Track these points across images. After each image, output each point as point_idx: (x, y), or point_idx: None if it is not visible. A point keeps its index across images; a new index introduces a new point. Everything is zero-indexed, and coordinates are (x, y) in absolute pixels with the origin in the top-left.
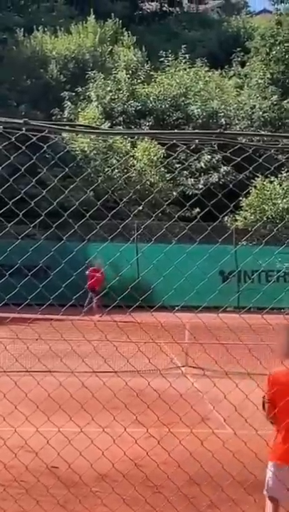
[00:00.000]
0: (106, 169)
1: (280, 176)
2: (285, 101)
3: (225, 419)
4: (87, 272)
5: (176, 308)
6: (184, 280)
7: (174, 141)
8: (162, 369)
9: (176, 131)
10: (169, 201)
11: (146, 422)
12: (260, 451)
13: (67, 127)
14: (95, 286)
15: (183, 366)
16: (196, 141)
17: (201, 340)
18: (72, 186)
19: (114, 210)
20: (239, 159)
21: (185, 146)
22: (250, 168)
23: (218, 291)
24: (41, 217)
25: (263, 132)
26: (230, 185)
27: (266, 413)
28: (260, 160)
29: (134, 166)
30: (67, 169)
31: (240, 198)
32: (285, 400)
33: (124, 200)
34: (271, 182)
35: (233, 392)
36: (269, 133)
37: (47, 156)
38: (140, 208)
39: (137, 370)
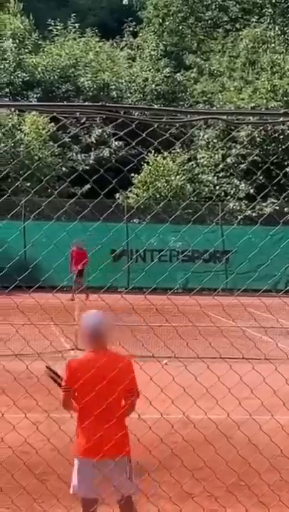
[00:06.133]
0: None
1: (173, 151)
2: (179, 73)
3: None
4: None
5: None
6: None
7: (55, 114)
8: (42, 352)
9: (59, 103)
10: (49, 176)
11: (26, 406)
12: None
13: None
14: (81, 266)
15: (72, 349)
16: (77, 113)
17: None
18: None
19: None
20: (122, 133)
21: (75, 121)
22: (133, 143)
23: (110, 272)
24: None
25: (155, 106)
26: (113, 161)
27: (63, 401)
28: (143, 134)
29: (21, 140)
30: None
31: (133, 175)
32: (86, 389)
33: (3, 174)
34: (164, 158)
35: None
36: (160, 107)
37: None
38: (27, 184)
39: (15, 354)
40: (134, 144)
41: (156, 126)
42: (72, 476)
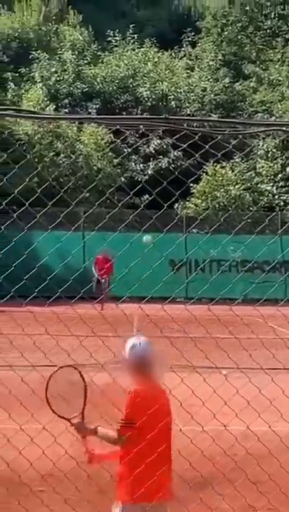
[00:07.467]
0: (51, 154)
1: (232, 161)
2: (237, 83)
3: None
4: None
5: (122, 299)
6: (131, 270)
7: (118, 127)
8: (106, 363)
9: (122, 116)
10: (114, 187)
11: (89, 419)
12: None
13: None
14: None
15: None
16: (141, 126)
17: (150, 333)
18: (13, 172)
19: (57, 198)
20: (184, 145)
21: (134, 131)
22: (197, 155)
23: (169, 282)
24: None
25: (214, 115)
26: (176, 173)
27: (119, 435)
28: (207, 146)
29: (80, 150)
30: (5, 155)
31: (191, 185)
32: (145, 426)
33: (68, 185)
34: (223, 168)
35: (178, 387)
36: (218, 118)
37: None
38: (87, 194)
39: (79, 365)
40: (197, 156)
41: (218, 138)
42: None
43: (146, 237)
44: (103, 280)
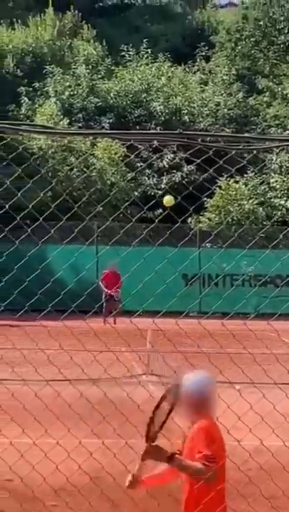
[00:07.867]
0: (65, 168)
1: (245, 175)
2: (251, 98)
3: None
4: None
5: (137, 313)
6: (144, 285)
7: (132, 142)
8: (120, 378)
9: (135, 131)
10: (129, 202)
11: (103, 433)
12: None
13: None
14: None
15: (143, 374)
16: (155, 141)
17: (163, 347)
18: (27, 186)
19: (71, 212)
20: (198, 160)
21: (147, 145)
22: (210, 170)
23: (182, 296)
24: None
25: (227, 130)
26: (190, 188)
27: (211, 474)
28: (221, 162)
29: (93, 164)
30: (20, 170)
31: (205, 199)
32: (224, 458)
33: (83, 200)
34: (236, 182)
35: None
36: (232, 132)
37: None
38: (100, 208)
39: (93, 379)
40: (211, 170)
41: (232, 153)
42: None
43: (167, 198)
44: (114, 294)
